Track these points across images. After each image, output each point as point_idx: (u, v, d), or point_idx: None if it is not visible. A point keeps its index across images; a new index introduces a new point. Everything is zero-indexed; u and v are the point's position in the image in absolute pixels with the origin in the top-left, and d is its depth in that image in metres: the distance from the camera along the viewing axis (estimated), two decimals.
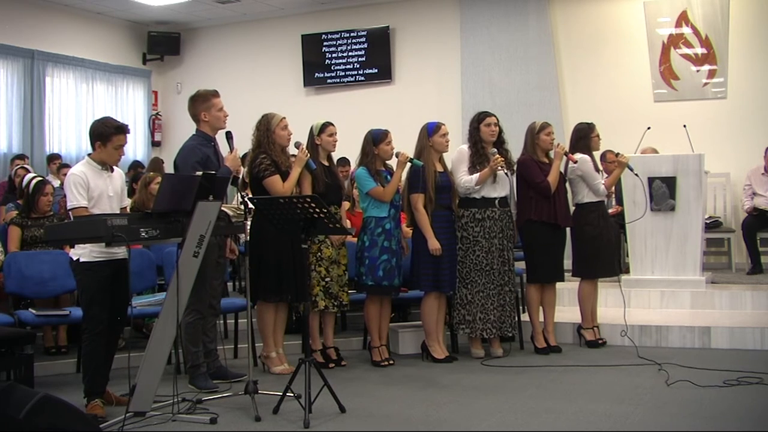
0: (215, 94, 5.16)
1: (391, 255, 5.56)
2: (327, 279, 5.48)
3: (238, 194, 4.80)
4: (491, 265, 5.69)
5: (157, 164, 9.66)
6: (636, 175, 6.27)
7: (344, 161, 8.25)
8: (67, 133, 10.73)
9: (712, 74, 8.99)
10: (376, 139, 5.62)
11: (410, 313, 7.04)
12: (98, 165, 4.52)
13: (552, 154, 5.99)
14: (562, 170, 6.03)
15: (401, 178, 5.72)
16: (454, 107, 9.89)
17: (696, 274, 7.02)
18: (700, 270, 7.05)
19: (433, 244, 5.53)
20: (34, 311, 5.38)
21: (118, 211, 4.57)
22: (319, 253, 5.47)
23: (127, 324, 4.68)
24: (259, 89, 11.06)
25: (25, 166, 8.58)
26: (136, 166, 10.12)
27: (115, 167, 4.64)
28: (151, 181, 6.78)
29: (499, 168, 5.65)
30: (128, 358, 4.18)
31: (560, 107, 9.55)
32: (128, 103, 11.63)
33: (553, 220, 5.89)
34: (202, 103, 5.12)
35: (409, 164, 5.59)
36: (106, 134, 4.46)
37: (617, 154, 6.22)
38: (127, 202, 4.78)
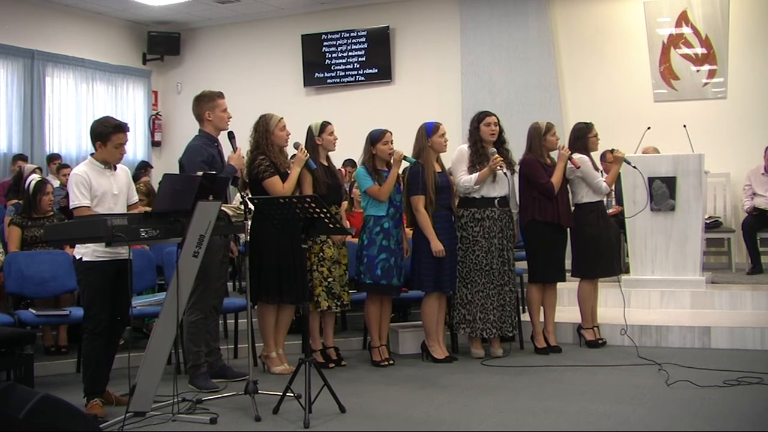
0: (220, 95, 5.25)
1: (389, 254, 5.56)
2: (329, 279, 5.49)
3: (238, 194, 4.80)
4: (491, 264, 5.69)
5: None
6: (634, 167, 6.26)
7: (352, 163, 8.26)
8: (67, 133, 10.73)
9: (712, 74, 8.99)
10: (373, 139, 5.64)
11: (410, 313, 7.04)
12: (101, 164, 4.53)
13: (554, 154, 6.00)
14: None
15: (397, 177, 5.73)
16: (454, 107, 9.89)
17: (696, 274, 7.02)
18: (700, 270, 7.04)
19: (437, 245, 5.53)
20: (34, 311, 5.38)
21: (125, 210, 4.58)
22: (321, 253, 5.48)
23: (127, 324, 4.68)
24: (259, 89, 11.05)
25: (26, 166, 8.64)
26: (144, 166, 10.08)
27: (119, 165, 4.65)
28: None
29: (498, 168, 5.65)
30: (128, 358, 4.18)
31: (560, 107, 9.54)
32: (128, 103, 11.63)
33: (556, 221, 5.89)
34: (207, 102, 5.20)
35: (406, 163, 5.60)
36: (106, 133, 4.47)
37: (612, 150, 6.22)
38: (136, 199, 4.78)
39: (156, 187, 8.13)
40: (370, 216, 5.62)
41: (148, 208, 4.76)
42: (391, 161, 5.61)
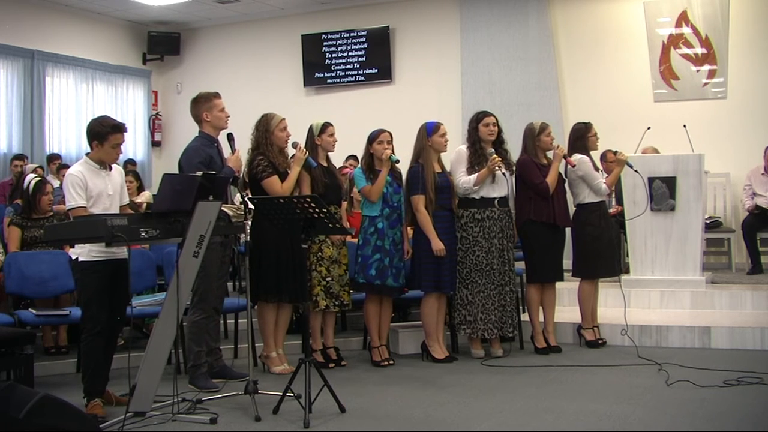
0: (216, 95, 5.26)
1: (383, 254, 5.56)
2: (328, 278, 5.49)
3: (238, 194, 4.81)
4: (491, 265, 5.69)
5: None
6: (636, 171, 6.28)
7: (355, 158, 8.27)
8: (67, 133, 10.73)
9: (712, 74, 8.99)
10: (370, 139, 5.65)
11: (410, 313, 7.04)
12: (96, 164, 4.52)
13: (550, 154, 6.00)
14: (561, 171, 6.03)
15: (400, 177, 5.73)
16: (454, 107, 9.89)
17: (696, 274, 7.02)
18: (700, 270, 7.04)
19: (437, 245, 5.53)
20: (34, 311, 5.38)
21: (118, 210, 4.58)
22: (320, 253, 5.48)
23: (127, 324, 4.68)
24: (259, 89, 11.06)
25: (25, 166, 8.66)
26: (126, 163, 10.10)
27: (113, 165, 4.64)
28: None
29: (497, 168, 5.65)
30: (128, 358, 4.18)
31: (560, 107, 9.54)
32: (128, 103, 11.63)
33: (552, 221, 5.89)
34: (204, 103, 5.21)
35: (395, 163, 5.61)
36: (103, 133, 4.46)
37: (615, 152, 6.23)
38: (127, 200, 4.79)
39: (153, 188, 8.13)
40: (365, 216, 5.64)
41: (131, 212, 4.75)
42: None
